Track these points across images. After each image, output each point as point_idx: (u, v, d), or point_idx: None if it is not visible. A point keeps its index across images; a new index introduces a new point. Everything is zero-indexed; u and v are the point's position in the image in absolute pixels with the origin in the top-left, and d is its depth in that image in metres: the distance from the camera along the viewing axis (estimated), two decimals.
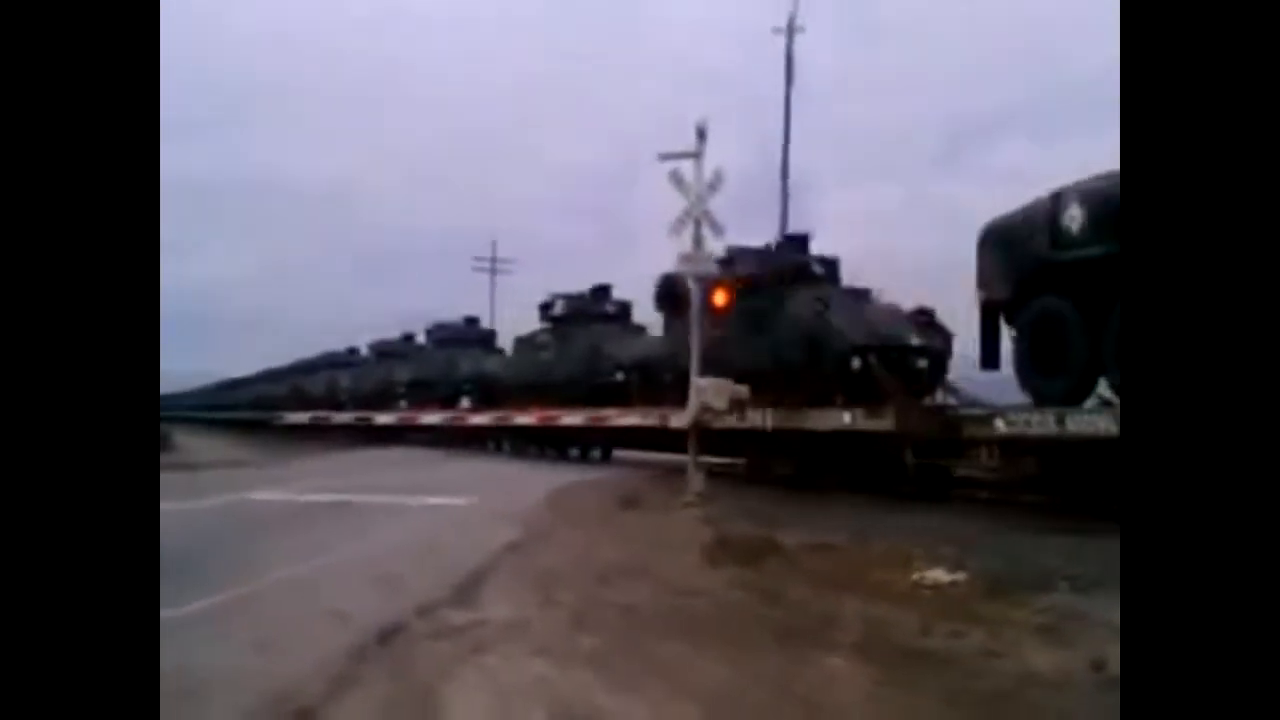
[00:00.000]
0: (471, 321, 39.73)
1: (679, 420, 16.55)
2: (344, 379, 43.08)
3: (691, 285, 15.24)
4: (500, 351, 36.04)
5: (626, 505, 13.53)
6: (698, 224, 14.57)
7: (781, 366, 16.90)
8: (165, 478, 13.60)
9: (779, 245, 19.48)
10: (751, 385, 15.30)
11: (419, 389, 35.48)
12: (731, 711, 4.52)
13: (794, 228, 26.22)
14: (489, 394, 31.25)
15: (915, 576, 7.55)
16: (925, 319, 17.43)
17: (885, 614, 6.35)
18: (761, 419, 16.48)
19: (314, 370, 47.96)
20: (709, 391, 15.85)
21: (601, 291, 28.70)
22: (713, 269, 15.36)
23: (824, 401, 15.67)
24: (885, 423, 14.17)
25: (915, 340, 16.85)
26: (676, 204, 14.69)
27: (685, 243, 14.79)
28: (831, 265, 19.13)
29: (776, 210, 29.38)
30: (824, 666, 5.15)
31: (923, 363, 16.79)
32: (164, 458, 23.19)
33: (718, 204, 14.70)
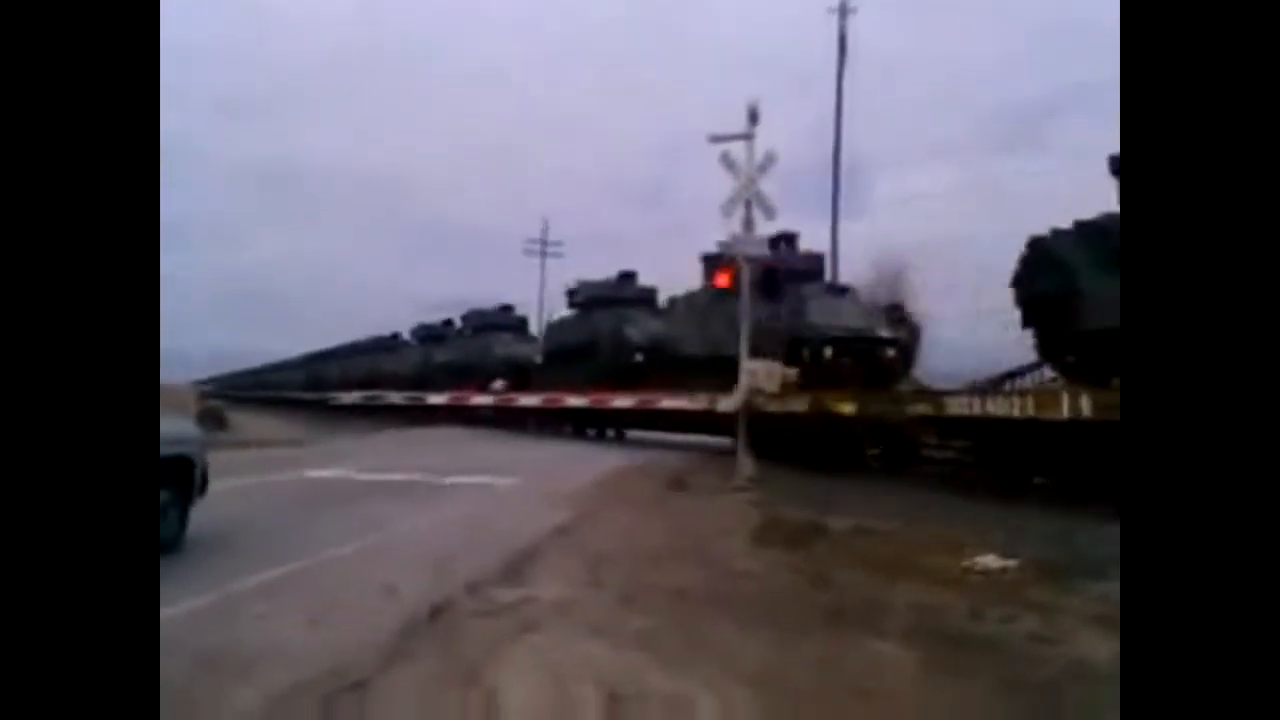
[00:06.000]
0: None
1: (727, 404, 16.54)
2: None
3: (742, 266, 15.20)
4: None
5: (676, 488, 13.56)
6: (748, 206, 14.53)
7: None
8: (223, 455, 13.94)
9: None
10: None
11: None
12: (780, 694, 4.51)
13: (847, 211, 25.74)
14: (633, 372, 25.76)
15: (966, 562, 7.48)
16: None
17: (936, 599, 6.30)
18: None
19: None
20: (759, 374, 15.85)
21: (785, 241, 22.38)
22: (763, 250, 15.32)
23: None
24: None
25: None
26: (728, 186, 14.69)
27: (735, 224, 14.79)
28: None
29: (829, 193, 29.15)
30: (873, 650, 5.12)
31: None
32: (220, 436, 23.73)
33: (769, 185, 14.66)
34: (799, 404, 16.67)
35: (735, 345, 17.65)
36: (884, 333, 20.24)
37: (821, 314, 20.15)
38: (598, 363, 28.03)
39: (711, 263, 22.89)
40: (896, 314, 20.13)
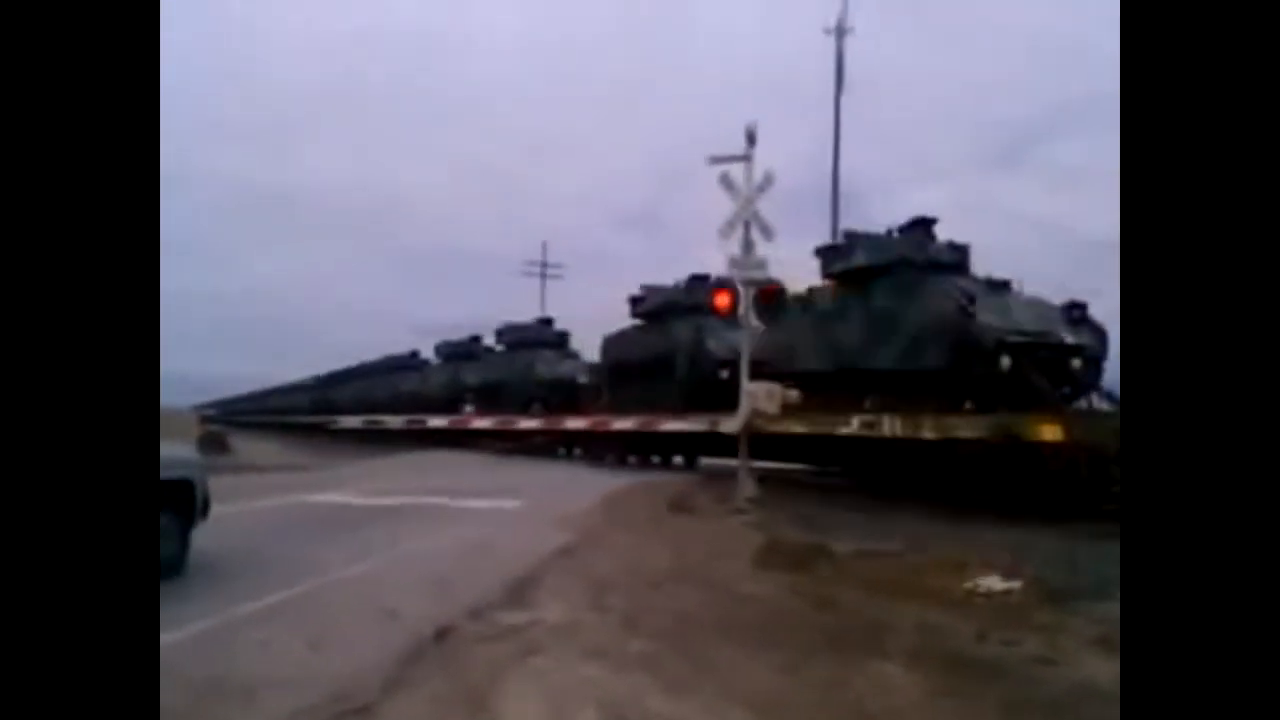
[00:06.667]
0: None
1: (729, 425, 16.49)
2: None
3: (740, 289, 15.21)
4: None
5: (678, 510, 13.53)
6: (747, 227, 14.53)
7: None
8: (227, 480, 13.93)
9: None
10: None
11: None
12: (783, 718, 4.51)
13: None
14: (715, 389, 20.85)
15: (969, 584, 7.46)
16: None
17: (939, 621, 6.29)
18: None
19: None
20: (759, 395, 15.81)
21: (922, 226, 18.43)
22: (763, 273, 15.28)
23: None
24: None
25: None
26: (726, 208, 14.71)
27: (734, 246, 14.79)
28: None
29: (828, 214, 29.22)
30: (877, 673, 5.11)
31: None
32: (222, 460, 23.70)
33: (767, 207, 14.68)
34: (970, 429, 14.41)
35: (855, 357, 17.09)
36: (1068, 338, 16.42)
37: (992, 314, 15.79)
38: (674, 380, 24.15)
39: (827, 256, 19.92)
40: (1077, 314, 16.46)
